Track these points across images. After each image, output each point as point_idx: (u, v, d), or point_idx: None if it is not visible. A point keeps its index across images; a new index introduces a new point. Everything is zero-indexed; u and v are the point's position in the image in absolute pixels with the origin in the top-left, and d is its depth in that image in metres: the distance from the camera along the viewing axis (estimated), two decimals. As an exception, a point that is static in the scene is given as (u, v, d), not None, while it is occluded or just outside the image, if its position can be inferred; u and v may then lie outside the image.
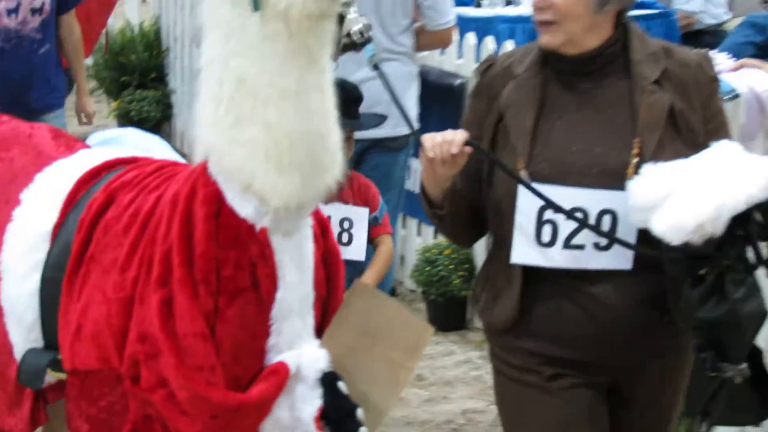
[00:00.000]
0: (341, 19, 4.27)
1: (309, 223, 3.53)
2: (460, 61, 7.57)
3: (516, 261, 3.66)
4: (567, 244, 3.62)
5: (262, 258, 3.40)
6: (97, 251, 3.57)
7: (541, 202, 3.56)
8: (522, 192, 3.60)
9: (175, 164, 3.85)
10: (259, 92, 3.25)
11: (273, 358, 3.46)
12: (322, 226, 3.68)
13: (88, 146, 4.16)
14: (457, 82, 7.39)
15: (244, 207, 3.36)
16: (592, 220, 3.51)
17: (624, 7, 3.61)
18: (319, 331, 3.61)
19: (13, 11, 7.06)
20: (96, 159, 3.94)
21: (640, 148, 3.47)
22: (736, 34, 8.33)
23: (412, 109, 6.44)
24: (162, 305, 3.35)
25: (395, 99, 4.08)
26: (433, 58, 7.65)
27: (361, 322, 3.60)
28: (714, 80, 3.61)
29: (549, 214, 3.60)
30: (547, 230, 3.62)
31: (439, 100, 7.17)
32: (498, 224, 3.73)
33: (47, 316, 3.69)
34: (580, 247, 3.60)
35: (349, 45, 4.23)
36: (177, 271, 3.36)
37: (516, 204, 3.63)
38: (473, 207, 3.72)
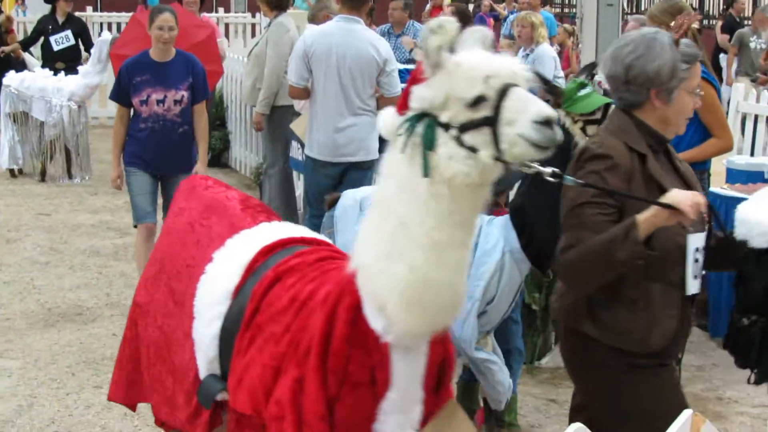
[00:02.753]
0: None
1: (426, 340, 3.66)
2: None
3: (690, 292, 4.16)
4: (695, 276, 4.19)
5: (381, 364, 3.60)
6: (263, 321, 3.89)
7: (696, 245, 4.06)
8: (690, 236, 4.07)
9: (332, 257, 4.04)
10: (415, 238, 3.42)
11: None
12: (445, 335, 3.76)
13: (267, 218, 4.48)
14: None
15: (376, 321, 3.57)
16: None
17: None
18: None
19: (161, 101, 8.25)
20: (273, 234, 4.28)
21: None
22: None
23: (376, 143, 8.26)
24: (295, 382, 3.65)
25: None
26: None
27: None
28: None
29: (698, 253, 4.10)
30: (697, 266, 4.16)
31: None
32: (659, 265, 4.06)
33: (223, 356, 4.11)
34: (699, 276, 4.20)
35: None
36: (313, 359, 3.62)
37: (688, 246, 4.08)
38: None
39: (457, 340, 5.36)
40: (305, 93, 8.62)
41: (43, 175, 13.46)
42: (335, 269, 3.82)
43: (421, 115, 3.42)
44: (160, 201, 8.46)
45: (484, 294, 5.49)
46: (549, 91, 5.52)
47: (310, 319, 3.68)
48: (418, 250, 3.41)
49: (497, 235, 5.55)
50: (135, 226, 8.52)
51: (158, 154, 8.25)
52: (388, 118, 3.58)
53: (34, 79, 13.33)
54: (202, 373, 4.22)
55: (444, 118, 3.40)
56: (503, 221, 5.59)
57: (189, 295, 4.30)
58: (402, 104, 3.50)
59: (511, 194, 6.89)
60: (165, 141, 8.25)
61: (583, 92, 5.51)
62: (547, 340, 7.51)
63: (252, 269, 4.12)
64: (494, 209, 5.98)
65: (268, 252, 4.16)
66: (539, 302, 7.23)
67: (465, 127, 3.41)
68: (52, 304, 8.59)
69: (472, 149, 3.39)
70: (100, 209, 11.93)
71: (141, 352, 4.66)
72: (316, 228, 5.77)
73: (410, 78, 3.56)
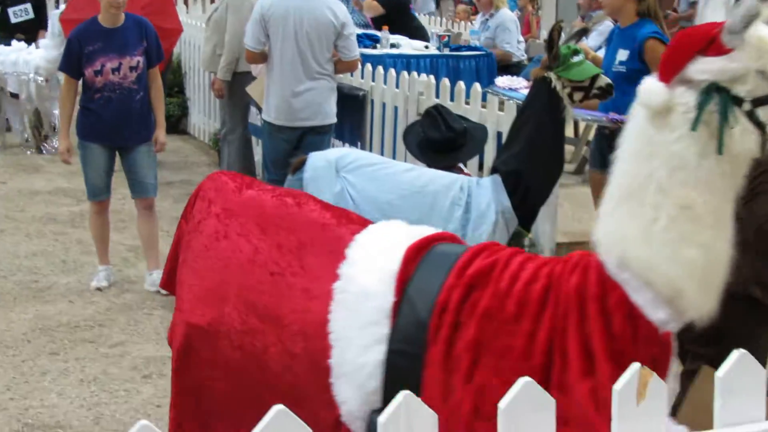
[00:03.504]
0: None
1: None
2: (362, 81, 9.88)
3: None
4: None
5: (662, 356, 3.31)
6: (485, 338, 3.35)
7: None
8: None
9: (511, 253, 3.62)
10: (702, 219, 3.23)
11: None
12: None
13: (359, 220, 3.92)
14: (361, 93, 9.67)
15: (654, 312, 3.28)
16: None
17: None
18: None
19: (116, 69, 7.88)
20: (404, 236, 3.74)
21: None
22: (529, 66, 10.49)
23: (333, 108, 8.48)
24: (591, 393, 3.16)
25: None
26: (346, 78, 9.88)
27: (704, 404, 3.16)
28: None
29: None
30: None
31: (349, 105, 9.46)
32: None
33: (389, 383, 3.46)
34: None
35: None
36: (603, 366, 3.19)
37: None
38: None
39: None
40: (262, 57, 8.58)
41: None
42: (544, 264, 3.50)
43: (710, 89, 3.24)
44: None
45: None
46: (549, 51, 5.67)
47: (567, 322, 3.31)
48: (708, 231, 3.25)
49: (489, 196, 5.61)
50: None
51: (117, 124, 7.93)
52: (655, 90, 3.38)
53: (8, 53, 13.13)
54: (355, 409, 3.55)
55: (739, 92, 3.23)
56: (492, 182, 5.66)
57: (288, 309, 3.70)
58: (666, 75, 3.34)
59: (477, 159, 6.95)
60: (123, 110, 7.94)
61: (576, 59, 5.70)
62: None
63: (405, 280, 3.57)
64: (454, 171, 6.06)
65: (414, 257, 3.63)
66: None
67: (759, 102, 3.25)
68: (7, 271, 8.50)
69: (761, 125, 3.25)
70: (57, 176, 11.82)
71: (213, 385, 3.92)
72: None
73: (674, 44, 3.41)
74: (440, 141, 6.12)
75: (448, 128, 6.15)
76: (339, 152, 5.89)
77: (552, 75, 5.68)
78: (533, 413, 2.37)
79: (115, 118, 7.92)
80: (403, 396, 2.32)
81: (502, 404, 2.37)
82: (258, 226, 3.91)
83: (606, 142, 7.06)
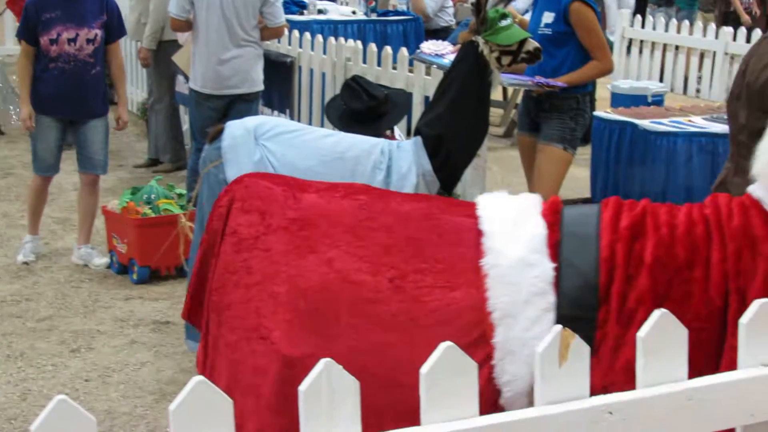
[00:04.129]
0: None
1: None
2: (290, 47, 9.93)
3: None
4: None
5: None
6: (659, 288, 3.22)
7: None
8: None
9: (663, 204, 3.46)
10: None
11: None
12: None
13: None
14: (288, 60, 9.56)
15: None
16: None
17: None
18: None
19: (72, 40, 7.65)
20: (523, 203, 3.52)
21: None
22: (457, 31, 10.68)
23: (260, 75, 8.47)
24: None
25: None
26: (273, 44, 9.85)
27: None
28: None
29: None
30: None
31: (277, 71, 9.33)
32: None
33: None
34: None
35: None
36: None
37: None
38: None
39: None
40: (187, 25, 8.52)
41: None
42: (691, 210, 3.35)
43: None
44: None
45: None
46: (476, 15, 5.67)
47: (741, 264, 3.18)
48: None
49: (409, 159, 5.59)
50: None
51: (69, 97, 7.73)
52: None
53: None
54: (521, 387, 3.25)
55: None
56: (413, 145, 5.65)
57: (425, 310, 3.32)
58: None
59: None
60: (76, 83, 7.73)
61: (504, 23, 5.70)
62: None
63: (556, 245, 3.34)
64: (384, 136, 6.06)
65: (553, 223, 3.40)
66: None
67: None
68: (-69, 246, 8.32)
69: None
70: (-18, 149, 11.65)
71: None
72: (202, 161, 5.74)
73: None
74: (362, 111, 6.12)
75: (370, 97, 6.15)
76: (257, 120, 5.82)
77: (479, 39, 5.67)
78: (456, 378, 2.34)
79: (68, 90, 7.74)
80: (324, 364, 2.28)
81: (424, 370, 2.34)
82: (348, 233, 3.47)
83: (534, 105, 7.06)
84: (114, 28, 7.90)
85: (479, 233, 3.37)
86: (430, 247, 3.40)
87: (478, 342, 3.26)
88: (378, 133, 6.11)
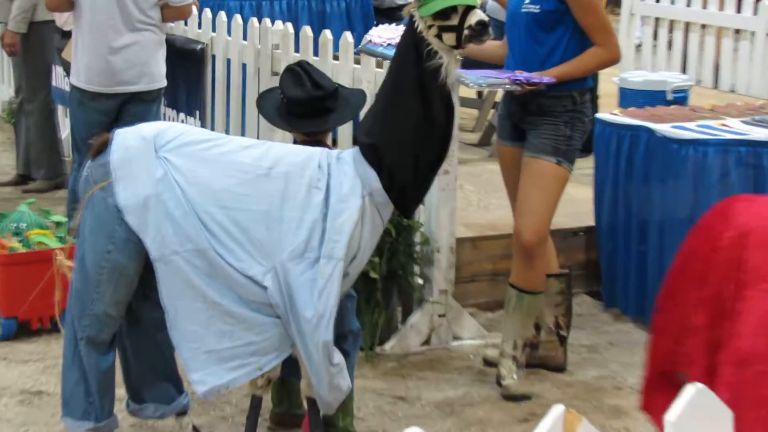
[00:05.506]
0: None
1: None
2: (200, 31, 9.92)
3: None
4: None
5: None
6: None
7: None
8: None
9: None
10: None
11: None
12: None
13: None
14: (198, 47, 9.61)
15: None
16: None
17: None
18: None
19: None
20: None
21: None
22: None
23: (162, 68, 8.54)
24: None
25: None
26: (178, 28, 9.96)
27: None
28: None
29: None
30: None
31: (184, 62, 9.47)
32: None
33: None
34: None
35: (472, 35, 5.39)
36: None
37: None
38: None
39: (306, 320, 5.32)
40: (67, 2, 8.49)
41: None
42: None
43: None
44: None
45: (347, 251, 5.44)
46: None
47: None
48: None
49: (351, 174, 5.53)
50: None
51: None
52: None
53: None
54: None
55: None
56: (354, 157, 5.57)
57: None
58: None
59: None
60: None
61: None
62: (391, 318, 7.54)
63: None
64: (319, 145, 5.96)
65: None
66: (379, 269, 7.21)
67: None
68: None
69: None
70: None
71: None
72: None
73: None
74: (304, 101, 6.03)
75: (315, 85, 6.05)
76: (156, 126, 5.71)
77: (416, 12, 5.46)
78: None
79: None
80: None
81: None
82: None
83: (517, 105, 6.92)
84: None
85: None
86: None
87: None
88: (321, 130, 6.11)
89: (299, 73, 6.07)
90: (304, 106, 6.03)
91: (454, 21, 5.42)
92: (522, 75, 6.61)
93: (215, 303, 5.38)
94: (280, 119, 6.16)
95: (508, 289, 7.00)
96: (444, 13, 5.39)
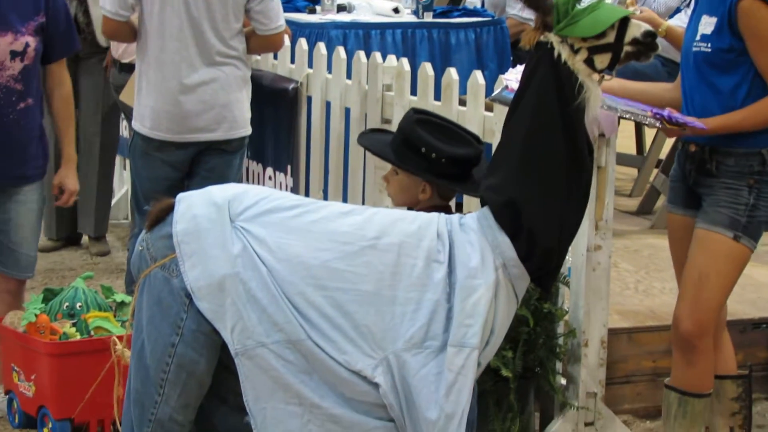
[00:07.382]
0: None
1: None
2: (293, 66, 9.89)
3: None
4: None
5: None
6: None
7: None
8: None
9: None
10: None
11: None
12: None
13: None
14: (291, 86, 9.64)
15: None
16: None
17: None
18: None
19: None
20: None
21: None
22: None
23: (246, 112, 8.57)
24: None
25: None
26: (267, 63, 10.05)
27: None
28: None
29: None
30: None
31: (273, 104, 9.58)
32: None
33: None
34: None
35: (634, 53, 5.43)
36: None
37: None
38: None
39: (429, 422, 5.25)
40: (128, 30, 8.56)
41: None
42: None
43: None
44: None
45: (481, 337, 5.36)
46: (531, 5, 5.46)
47: None
48: None
49: (479, 243, 5.47)
50: None
51: None
52: None
53: None
54: None
55: None
56: (480, 221, 5.51)
57: None
58: None
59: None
60: None
61: (583, 4, 5.41)
62: (527, 426, 7.49)
63: None
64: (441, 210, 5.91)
65: None
66: (513, 365, 7.16)
67: None
68: None
69: None
70: None
71: None
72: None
73: None
74: (474, 158, 5.99)
75: (477, 140, 6.12)
76: (229, 190, 5.59)
77: (552, 37, 5.42)
78: None
79: None
80: None
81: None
82: None
83: (692, 163, 6.83)
84: (59, 37, 7.67)
85: None
86: None
87: None
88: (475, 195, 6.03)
89: (442, 125, 6.07)
90: (468, 166, 6.06)
91: (610, 38, 5.42)
92: (666, 111, 6.46)
93: (313, 405, 5.26)
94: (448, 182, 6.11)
95: (667, 392, 6.95)
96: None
